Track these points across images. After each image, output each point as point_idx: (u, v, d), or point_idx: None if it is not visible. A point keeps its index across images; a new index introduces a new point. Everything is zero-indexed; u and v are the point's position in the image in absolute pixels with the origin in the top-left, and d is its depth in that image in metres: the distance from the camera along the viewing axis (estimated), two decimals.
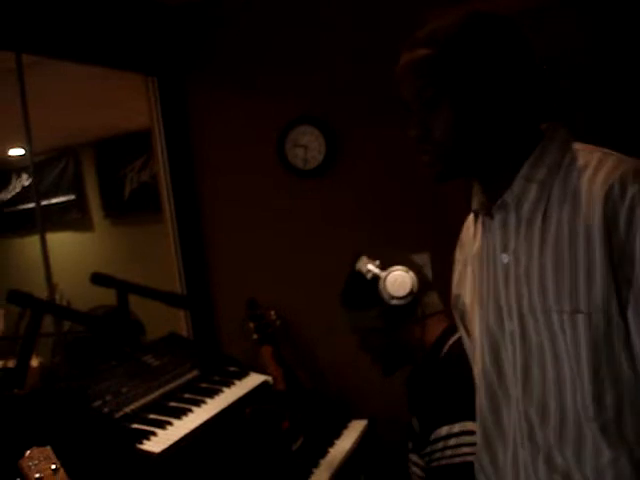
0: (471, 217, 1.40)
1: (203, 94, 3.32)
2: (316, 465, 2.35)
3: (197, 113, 3.35)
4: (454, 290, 1.46)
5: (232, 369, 2.42)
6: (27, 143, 2.87)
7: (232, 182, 3.31)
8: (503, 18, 1.21)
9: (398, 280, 1.98)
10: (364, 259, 2.01)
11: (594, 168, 1.17)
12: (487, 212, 1.29)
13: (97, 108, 4.35)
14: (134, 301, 2.91)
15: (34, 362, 4.86)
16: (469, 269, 1.39)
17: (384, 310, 1.96)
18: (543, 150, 1.23)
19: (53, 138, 5.08)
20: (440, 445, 1.79)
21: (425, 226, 3.00)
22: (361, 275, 1.98)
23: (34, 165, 3.67)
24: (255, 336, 3.13)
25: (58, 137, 5.08)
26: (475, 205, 1.33)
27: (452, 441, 1.77)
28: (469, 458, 1.58)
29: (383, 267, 1.95)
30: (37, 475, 1.47)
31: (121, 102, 4.16)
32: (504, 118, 1.21)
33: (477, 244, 1.35)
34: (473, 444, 1.48)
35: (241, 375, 2.37)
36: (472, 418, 1.74)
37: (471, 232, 1.40)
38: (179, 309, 2.58)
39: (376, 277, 1.95)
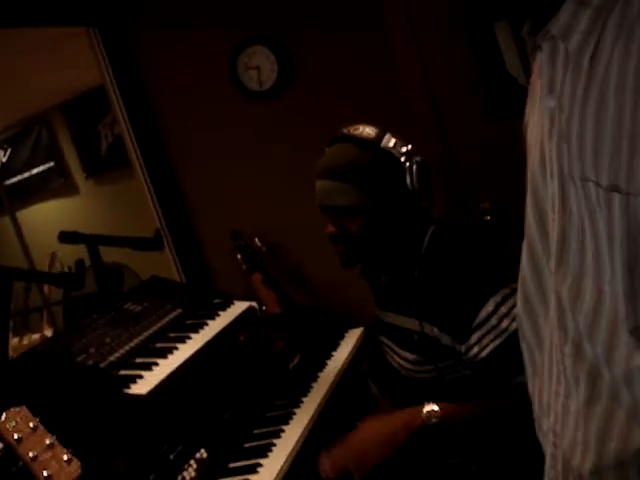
0: None
1: (148, 35, 3.24)
2: (315, 379, 2.36)
3: (145, 54, 3.28)
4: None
5: (216, 301, 2.42)
6: None
7: (193, 118, 3.26)
8: None
9: (424, 168, 1.92)
10: (390, 136, 1.92)
11: None
12: (532, 42, 1.03)
13: (55, 70, 4.29)
14: (122, 253, 2.92)
15: (47, 332, 4.94)
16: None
17: (385, 196, 1.90)
18: None
19: (19, 110, 5.04)
20: (494, 321, 1.73)
21: None
22: (386, 153, 1.90)
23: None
24: (244, 266, 3.13)
25: (24, 109, 5.04)
26: (523, 32, 1.06)
27: (503, 309, 1.72)
28: None
29: None
30: (16, 436, 1.48)
31: (76, 60, 4.10)
32: None
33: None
34: None
35: (225, 305, 2.38)
36: (505, 284, 1.73)
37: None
38: (151, 251, 2.56)
39: (407, 159, 1.88)
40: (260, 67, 3.08)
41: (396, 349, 2.01)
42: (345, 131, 1.97)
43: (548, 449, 1.14)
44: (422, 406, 1.81)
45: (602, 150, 0.90)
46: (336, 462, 1.89)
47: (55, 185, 5.44)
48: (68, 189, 5.43)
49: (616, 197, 0.89)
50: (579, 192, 0.95)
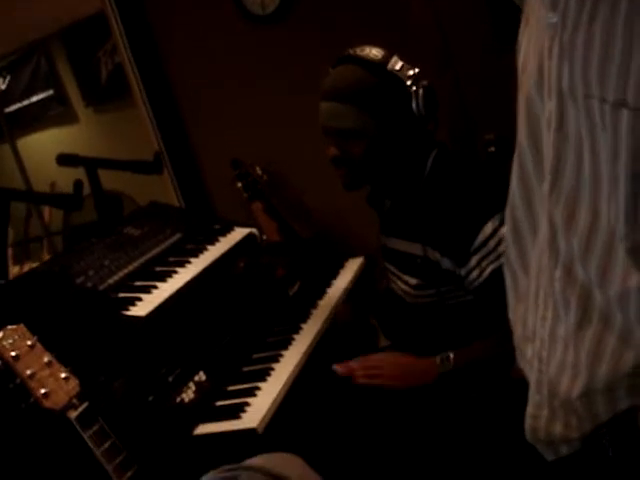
0: None
1: None
2: (314, 306, 2.36)
3: None
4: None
5: (216, 227, 2.40)
6: None
7: (195, 44, 3.19)
8: None
9: (430, 93, 1.89)
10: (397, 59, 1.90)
11: None
12: None
13: None
14: (121, 179, 2.89)
15: None
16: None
17: (389, 119, 1.87)
18: None
19: (17, 37, 4.95)
20: (492, 244, 1.73)
21: None
22: (392, 76, 1.86)
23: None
24: (245, 195, 3.10)
25: (22, 36, 4.94)
26: None
27: (501, 232, 1.70)
28: None
29: None
30: (13, 353, 1.48)
31: None
32: None
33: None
34: None
35: (225, 231, 2.36)
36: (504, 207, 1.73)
37: None
38: (151, 175, 2.53)
39: (414, 83, 1.86)
40: None
41: (400, 274, 2.01)
42: (351, 52, 1.93)
43: (532, 376, 1.13)
44: (435, 357, 1.86)
45: (609, 65, 0.86)
46: (368, 363, 1.94)
47: (54, 113, 5.35)
48: (67, 117, 5.35)
49: (624, 113, 0.85)
50: (580, 111, 0.92)
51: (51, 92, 5.33)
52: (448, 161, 1.94)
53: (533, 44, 1.05)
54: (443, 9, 2.81)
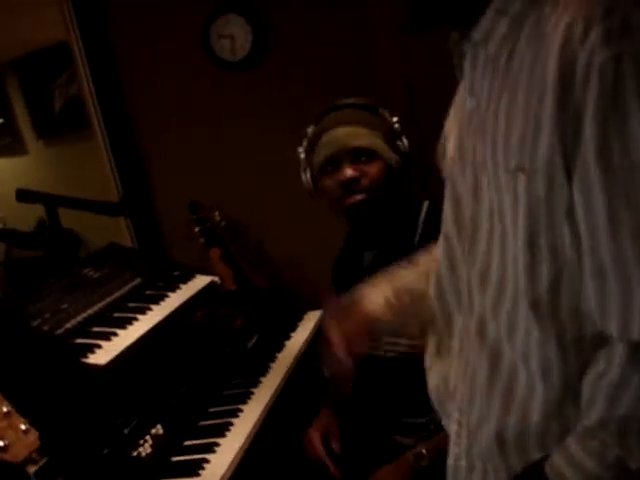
0: None
1: None
2: (273, 359, 2.31)
3: (115, 16, 3.14)
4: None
5: (176, 273, 2.34)
6: None
7: (160, 84, 3.14)
8: None
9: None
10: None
11: (563, 8, 0.97)
12: (459, 50, 1.14)
13: (8, 23, 4.11)
14: (73, 217, 2.81)
15: None
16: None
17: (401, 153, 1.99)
18: None
19: None
20: None
21: None
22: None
23: None
24: (201, 239, 3.05)
25: None
26: (450, 43, 1.17)
27: None
28: None
29: None
30: None
31: (35, 14, 3.94)
32: None
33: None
34: None
35: (186, 278, 2.31)
36: None
37: None
38: (114, 217, 2.46)
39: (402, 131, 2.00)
40: (234, 36, 2.98)
41: None
42: (345, 100, 2.03)
43: (452, 428, 1.23)
44: (408, 453, 1.86)
45: (512, 136, 1.02)
46: None
47: (3, 143, 5.23)
48: (17, 149, 5.22)
49: (521, 177, 1.01)
50: (490, 178, 1.07)
51: (1, 121, 5.20)
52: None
53: (455, 121, 1.22)
54: (411, 62, 2.83)
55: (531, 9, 1.03)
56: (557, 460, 1.02)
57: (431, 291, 1.30)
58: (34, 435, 1.42)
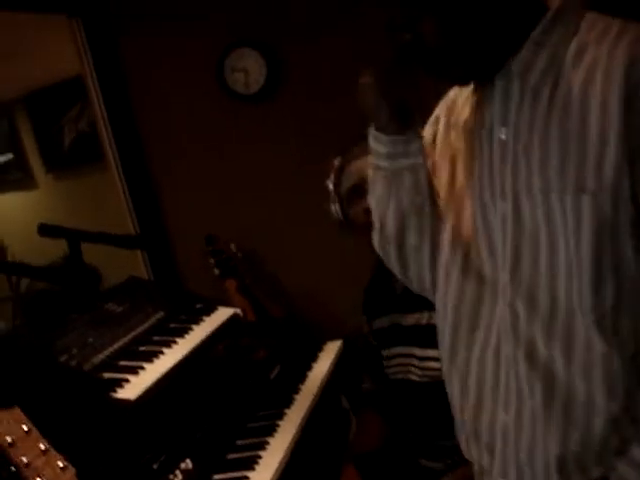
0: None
1: (133, 30, 3.14)
2: (296, 391, 2.31)
3: (129, 50, 3.18)
4: None
5: (198, 306, 2.35)
6: None
7: (175, 117, 3.18)
8: None
9: None
10: None
11: (615, 37, 1.05)
12: (488, 80, 1.16)
13: (20, 59, 4.15)
14: (88, 250, 2.81)
15: None
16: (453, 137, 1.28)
17: None
18: (556, 15, 1.10)
19: None
20: None
21: None
22: None
23: None
24: (217, 271, 3.06)
25: None
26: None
27: None
28: None
29: None
30: (9, 439, 1.39)
31: (46, 49, 3.97)
32: None
33: (466, 116, 1.24)
34: None
35: (209, 311, 2.31)
36: None
37: (462, 99, 1.28)
38: (134, 250, 2.48)
39: None
40: (247, 70, 3.02)
41: (419, 353, 1.99)
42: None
43: (496, 460, 1.22)
44: None
45: (568, 160, 1.04)
46: None
47: (13, 177, 5.26)
48: (27, 183, 5.26)
49: (585, 198, 1.03)
50: (536, 206, 1.08)
51: (11, 156, 5.24)
52: None
53: (478, 152, 1.20)
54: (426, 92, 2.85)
55: (568, 43, 1.08)
56: (623, 470, 1.09)
57: (446, 334, 1.29)
58: (71, 472, 1.41)
